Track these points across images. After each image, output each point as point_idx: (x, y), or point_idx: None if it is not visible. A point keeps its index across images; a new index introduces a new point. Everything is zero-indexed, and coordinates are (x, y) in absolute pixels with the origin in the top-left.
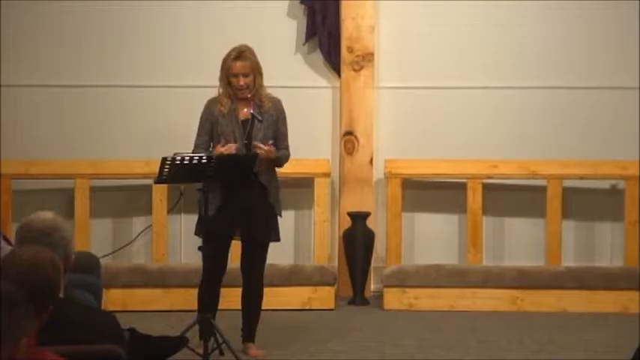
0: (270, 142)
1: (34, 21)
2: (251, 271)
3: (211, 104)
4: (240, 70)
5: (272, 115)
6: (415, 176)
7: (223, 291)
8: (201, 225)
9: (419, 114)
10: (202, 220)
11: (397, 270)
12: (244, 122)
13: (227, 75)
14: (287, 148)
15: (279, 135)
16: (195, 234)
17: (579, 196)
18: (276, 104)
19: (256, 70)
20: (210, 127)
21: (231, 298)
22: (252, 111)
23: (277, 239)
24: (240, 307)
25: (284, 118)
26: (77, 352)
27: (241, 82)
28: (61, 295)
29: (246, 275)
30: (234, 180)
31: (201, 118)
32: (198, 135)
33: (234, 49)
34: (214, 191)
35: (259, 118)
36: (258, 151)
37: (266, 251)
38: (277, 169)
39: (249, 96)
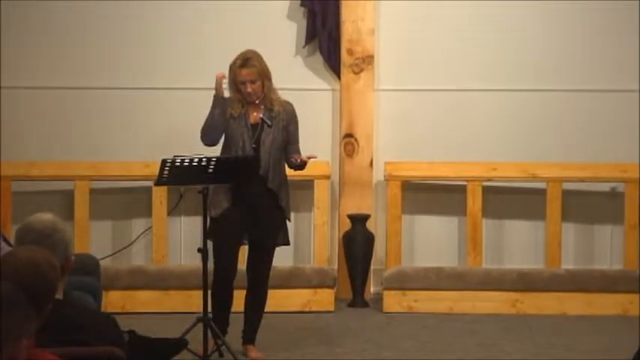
0: (306, 156)
1: (34, 22)
2: (256, 273)
3: (228, 102)
4: (247, 78)
5: (282, 119)
6: (415, 178)
7: None
8: (209, 226)
9: (419, 116)
10: (210, 221)
11: (397, 272)
12: (254, 126)
13: (234, 81)
14: (299, 151)
15: (290, 139)
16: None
17: (579, 199)
18: (287, 108)
19: (264, 76)
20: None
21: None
22: (261, 115)
23: (286, 243)
24: (240, 310)
25: (296, 122)
26: (77, 354)
27: (249, 90)
28: (61, 296)
29: (250, 277)
30: (237, 182)
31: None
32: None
33: (239, 56)
34: (223, 192)
35: (269, 123)
36: (294, 160)
37: (272, 255)
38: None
39: (257, 101)
